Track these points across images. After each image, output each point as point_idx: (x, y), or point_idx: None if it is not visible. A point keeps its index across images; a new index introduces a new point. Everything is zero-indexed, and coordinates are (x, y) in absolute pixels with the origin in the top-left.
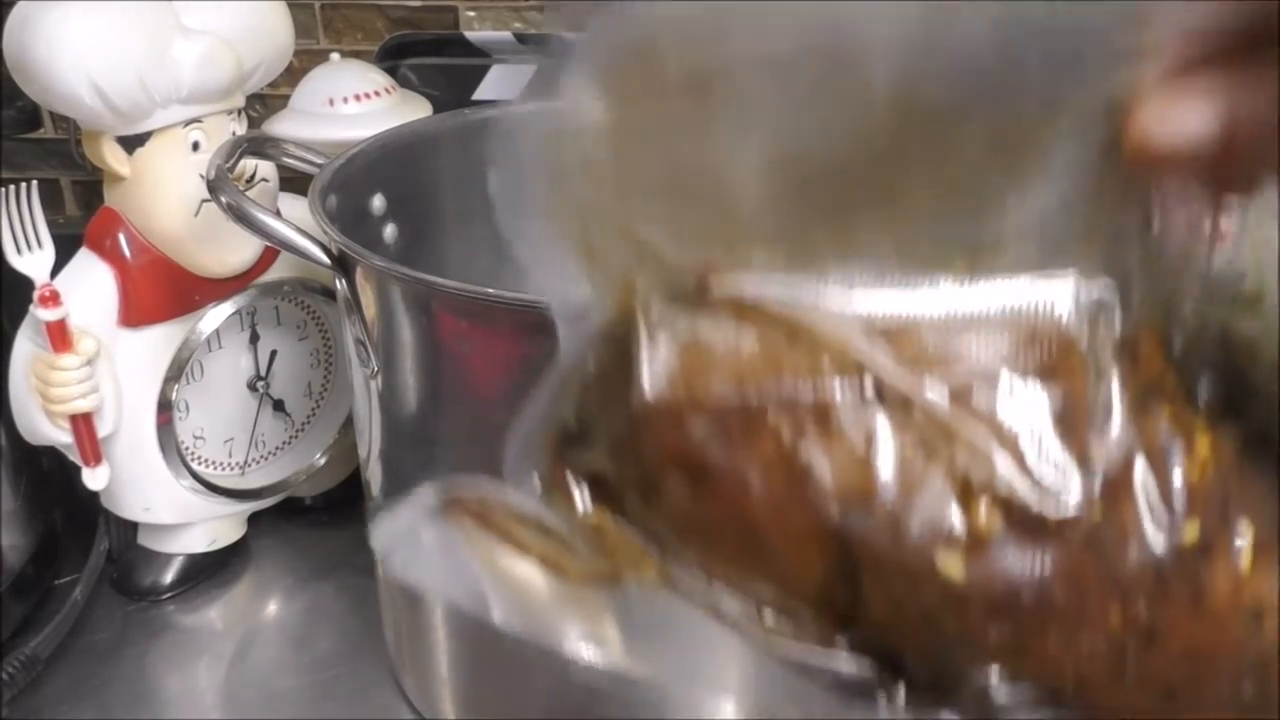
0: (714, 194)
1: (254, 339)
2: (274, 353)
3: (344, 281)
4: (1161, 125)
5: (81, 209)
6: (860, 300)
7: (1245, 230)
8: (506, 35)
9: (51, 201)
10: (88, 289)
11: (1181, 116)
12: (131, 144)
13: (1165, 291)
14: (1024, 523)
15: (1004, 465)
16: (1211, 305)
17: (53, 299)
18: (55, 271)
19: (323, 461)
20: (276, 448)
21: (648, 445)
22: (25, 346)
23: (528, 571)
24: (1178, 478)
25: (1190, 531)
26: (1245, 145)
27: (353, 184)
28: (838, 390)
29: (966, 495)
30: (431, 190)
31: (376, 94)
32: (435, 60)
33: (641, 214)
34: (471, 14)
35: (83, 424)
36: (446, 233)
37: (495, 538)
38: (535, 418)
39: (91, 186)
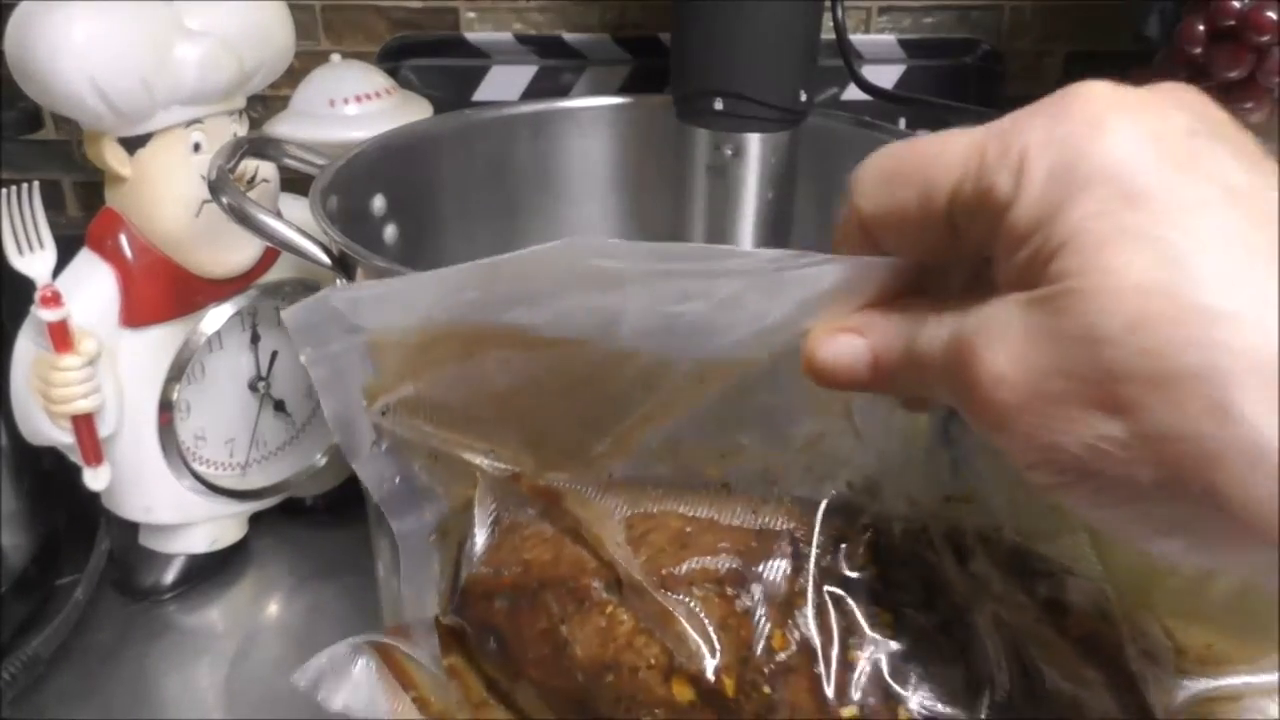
0: (513, 420)
1: (255, 339)
2: (275, 353)
3: (345, 282)
4: (819, 351)
5: (83, 210)
6: (622, 502)
7: (964, 440)
8: (507, 36)
9: (53, 202)
10: (89, 289)
11: (833, 346)
12: (133, 145)
13: (881, 490)
14: (708, 696)
15: (698, 648)
16: (931, 505)
17: (54, 299)
18: (57, 272)
19: (324, 462)
20: (277, 448)
21: (469, 609)
22: (27, 347)
23: (408, 708)
24: (847, 666)
25: (849, 712)
26: (890, 373)
27: (354, 185)
28: (593, 580)
29: (670, 671)
30: (432, 191)
31: (377, 95)
32: (436, 61)
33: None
34: (472, 15)
35: (84, 424)
36: (447, 233)
37: (394, 674)
38: (430, 576)
39: (93, 187)
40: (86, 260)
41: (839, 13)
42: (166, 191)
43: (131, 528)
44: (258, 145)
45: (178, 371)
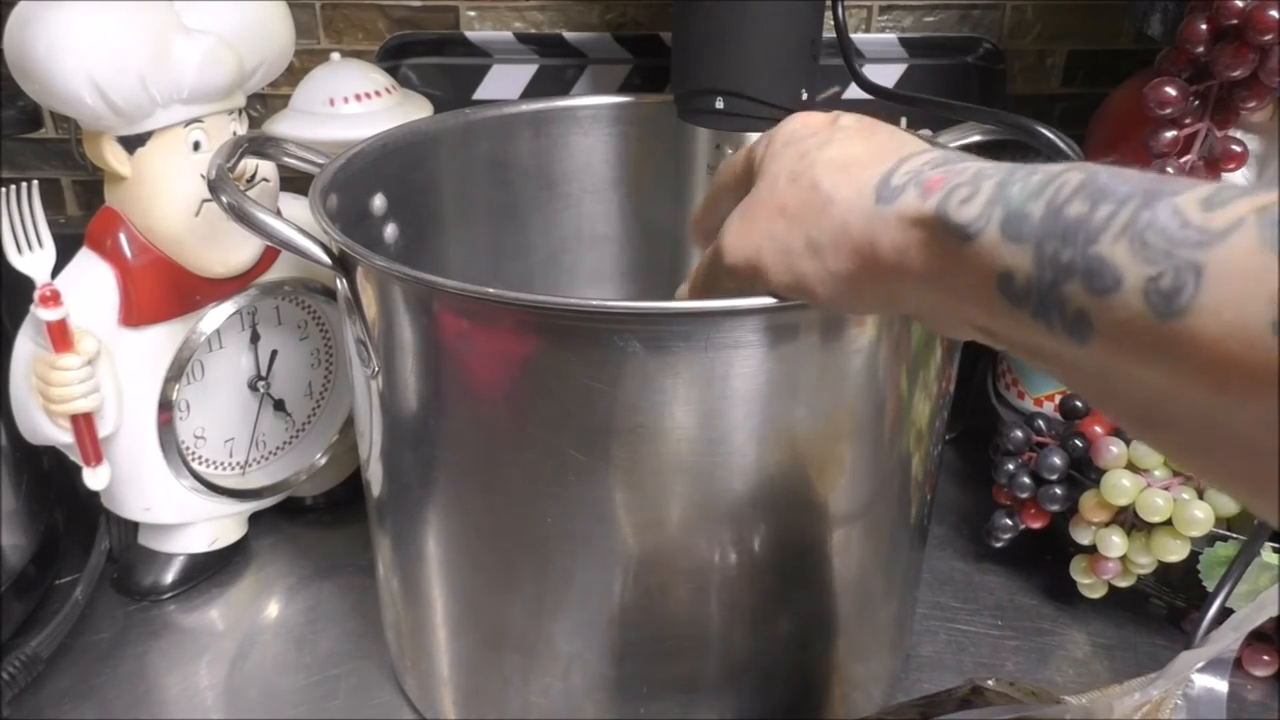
0: None
1: (255, 339)
2: (275, 352)
3: (345, 281)
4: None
5: (82, 209)
6: None
7: None
8: (507, 35)
9: (52, 201)
10: (88, 289)
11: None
12: (132, 144)
13: None
14: None
15: None
16: None
17: (53, 299)
18: (56, 271)
19: (323, 461)
20: (277, 447)
21: None
22: (26, 346)
23: None
24: None
25: None
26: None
27: (353, 184)
28: None
29: None
30: (432, 190)
31: (377, 94)
32: (436, 60)
33: None
34: (472, 14)
35: (83, 424)
36: (447, 232)
37: None
38: None
39: (92, 186)
40: (86, 259)
41: (839, 11)
42: (166, 190)
43: (131, 527)
44: (257, 144)
45: (177, 371)
